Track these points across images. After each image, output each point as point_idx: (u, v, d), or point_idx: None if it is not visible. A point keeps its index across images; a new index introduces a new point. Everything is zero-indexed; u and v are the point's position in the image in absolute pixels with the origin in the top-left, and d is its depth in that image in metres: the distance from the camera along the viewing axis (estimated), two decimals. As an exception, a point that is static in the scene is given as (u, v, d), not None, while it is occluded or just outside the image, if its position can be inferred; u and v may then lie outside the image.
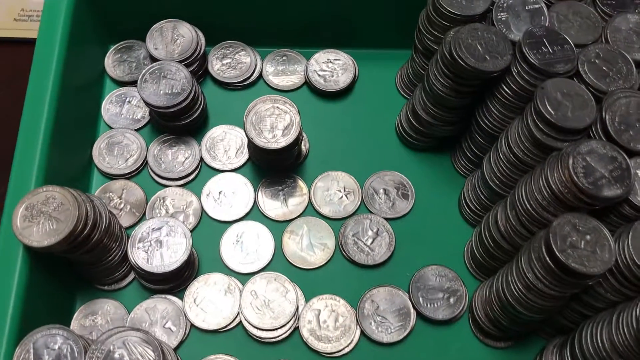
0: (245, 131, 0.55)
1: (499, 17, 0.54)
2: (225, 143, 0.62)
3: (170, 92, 0.58)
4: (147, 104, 0.57)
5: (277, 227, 0.59)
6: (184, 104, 0.58)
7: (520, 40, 0.51)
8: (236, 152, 0.62)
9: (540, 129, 0.49)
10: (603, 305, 0.49)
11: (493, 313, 0.53)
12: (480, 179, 0.57)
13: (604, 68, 0.51)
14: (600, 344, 0.47)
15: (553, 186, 0.46)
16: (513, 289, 0.49)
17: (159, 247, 0.52)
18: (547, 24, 0.54)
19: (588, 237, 0.45)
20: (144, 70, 0.58)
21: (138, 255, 0.52)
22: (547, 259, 0.45)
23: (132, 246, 0.52)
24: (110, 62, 0.65)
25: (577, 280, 0.45)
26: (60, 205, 0.47)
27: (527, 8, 0.54)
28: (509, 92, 0.52)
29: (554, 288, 0.46)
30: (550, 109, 0.48)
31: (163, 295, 0.55)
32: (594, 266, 0.44)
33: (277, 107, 0.56)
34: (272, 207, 0.59)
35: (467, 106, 0.57)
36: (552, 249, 0.44)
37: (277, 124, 0.56)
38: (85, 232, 0.48)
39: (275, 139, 0.55)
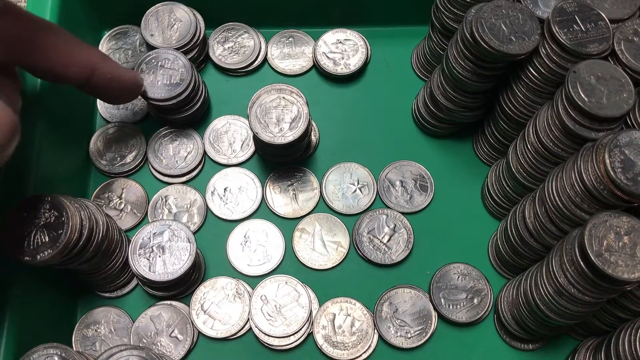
0: (249, 125, 0.51)
1: (525, -9, 0.49)
2: (230, 135, 0.58)
3: (168, 83, 0.53)
4: (144, 97, 0.53)
5: (287, 225, 0.55)
6: (183, 96, 0.54)
7: (548, 17, 0.46)
8: (241, 145, 0.58)
9: (571, 117, 0.44)
10: (642, 309, 0.45)
11: (520, 316, 0.49)
12: (506, 170, 0.52)
13: (643, 46, 0.46)
14: (638, 350, 0.43)
15: (587, 181, 0.42)
16: (543, 293, 0.45)
17: (162, 254, 0.49)
18: (578, -3, 0.49)
19: (626, 238, 0.41)
20: (139, 60, 0.54)
21: (139, 263, 0.49)
22: (581, 263, 0.42)
23: (133, 253, 0.49)
24: (105, 50, 0.60)
25: (614, 286, 0.41)
26: (53, 215, 0.44)
27: (556, -21, 0.49)
28: (536, 75, 0.47)
29: (588, 294, 0.43)
30: (583, 95, 0.44)
31: (168, 302, 0.52)
32: (634, 271, 0.40)
33: (283, 97, 0.52)
34: (281, 203, 0.56)
35: (490, 90, 0.52)
36: (587, 253, 0.41)
37: (283, 117, 0.51)
38: (81, 242, 0.45)
39: (282, 132, 0.51)
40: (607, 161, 0.41)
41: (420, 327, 0.52)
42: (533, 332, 0.50)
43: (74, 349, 0.50)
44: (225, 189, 0.56)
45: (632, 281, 0.40)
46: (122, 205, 0.55)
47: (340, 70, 0.60)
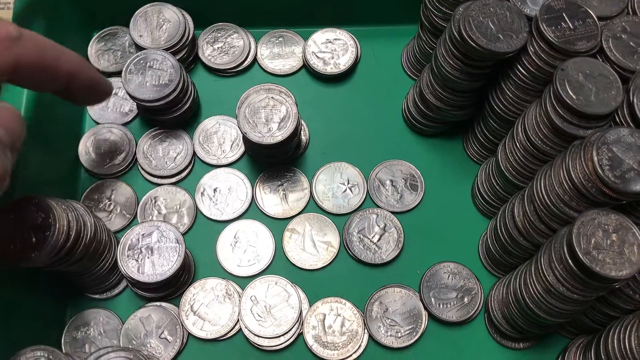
0: (238, 125, 0.51)
1: (513, -11, 0.49)
2: (219, 135, 0.58)
3: (157, 83, 0.53)
4: (132, 97, 0.53)
5: (277, 225, 0.55)
6: (172, 96, 0.54)
7: (536, 15, 0.46)
8: (231, 145, 0.57)
9: (560, 115, 0.44)
10: (631, 307, 0.45)
11: (510, 314, 0.49)
12: (495, 168, 0.52)
13: (631, 44, 0.46)
14: (627, 348, 0.43)
15: (575, 179, 0.42)
16: (532, 292, 0.45)
17: (150, 255, 0.49)
18: (566, -5, 0.48)
19: (614, 236, 0.41)
20: (127, 61, 0.54)
21: (128, 264, 0.49)
22: (570, 261, 0.41)
23: (122, 254, 0.49)
24: (94, 52, 0.60)
25: (602, 283, 0.41)
26: (40, 216, 0.44)
27: (543, -23, 0.49)
28: (525, 73, 0.47)
29: (576, 292, 0.43)
30: (571, 93, 0.44)
31: (158, 303, 0.52)
32: (622, 268, 0.40)
33: (272, 97, 0.52)
34: (271, 203, 0.56)
35: (479, 89, 0.52)
36: (575, 250, 0.40)
37: (272, 117, 0.51)
38: (69, 244, 0.45)
39: (271, 132, 0.51)
40: (595, 159, 0.41)
41: (410, 327, 0.52)
42: (523, 330, 0.50)
43: (64, 351, 0.50)
44: (215, 190, 0.56)
45: (620, 279, 0.40)
46: (112, 207, 0.55)
47: (330, 69, 0.60)
